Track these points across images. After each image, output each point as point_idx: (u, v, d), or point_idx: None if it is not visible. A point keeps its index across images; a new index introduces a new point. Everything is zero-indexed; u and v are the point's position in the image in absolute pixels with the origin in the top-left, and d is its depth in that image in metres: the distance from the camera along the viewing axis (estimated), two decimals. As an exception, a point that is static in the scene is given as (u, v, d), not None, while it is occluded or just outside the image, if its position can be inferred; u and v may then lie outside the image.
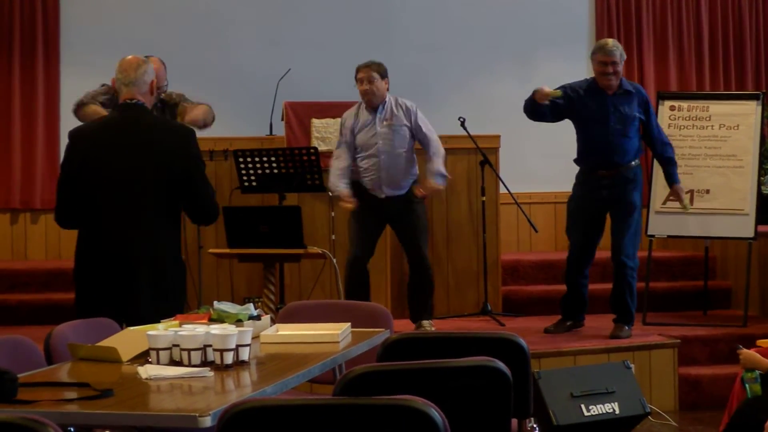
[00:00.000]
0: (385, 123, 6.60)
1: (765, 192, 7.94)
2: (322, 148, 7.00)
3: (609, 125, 6.48)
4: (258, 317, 4.13)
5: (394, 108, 6.63)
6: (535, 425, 3.70)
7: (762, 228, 7.31)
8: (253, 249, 6.21)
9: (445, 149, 7.34)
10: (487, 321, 7.21)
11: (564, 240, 7.22)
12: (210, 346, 3.47)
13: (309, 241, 6.32)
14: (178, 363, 3.45)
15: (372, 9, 9.02)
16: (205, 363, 3.45)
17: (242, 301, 5.88)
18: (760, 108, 7.34)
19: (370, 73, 6.54)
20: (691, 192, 7.28)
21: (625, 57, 6.63)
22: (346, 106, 6.84)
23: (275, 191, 6.64)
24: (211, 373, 3.34)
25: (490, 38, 9.07)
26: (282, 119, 7.44)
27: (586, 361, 6.30)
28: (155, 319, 4.05)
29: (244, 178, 6.61)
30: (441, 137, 7.28)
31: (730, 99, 7.60)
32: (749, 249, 7.25)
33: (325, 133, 7.21)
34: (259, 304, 6.18)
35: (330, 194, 6.82)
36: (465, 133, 7.17)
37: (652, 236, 7.38)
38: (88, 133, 4.89)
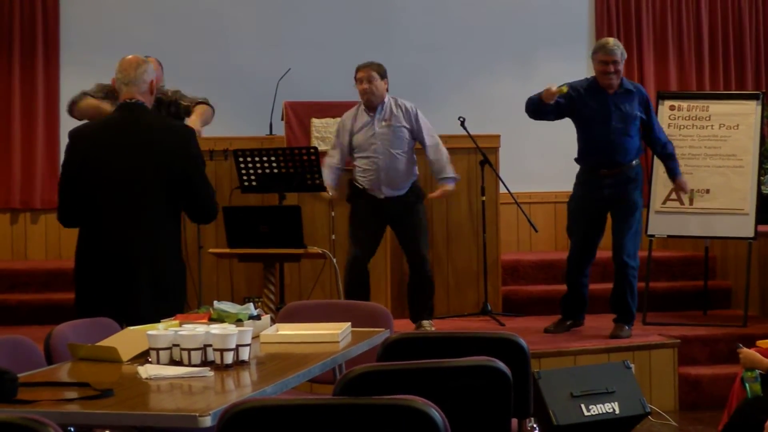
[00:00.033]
0: (384, 123, 6.60)
1: (765, 192, 7.94)
2: (322, 147, 7.00)
3: (611, 124, 6.48)
4: (258, 317, 4.13)
5: (393, 108, 6.63)
6: (535, 425, 3.70)
7: (762, 228, 7.31)
8: (253, 249, 6.21)
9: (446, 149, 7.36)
10: (487, 321, 7.21)
11: (564, 240, 7.23)
12: (210, 345, 3.47)
13: (309, 241, 6.32)
14: (178, 363, 3.46)
15: (372, 9, 9.01)
16: (205, 363, 3.45)
17: (242, 301, 5.88)
18: (759, 108, 7.34)
19: (370, 72, 6.55)
20: (691, 192, 7.28)
21: (625, 56, 6.63)
22: (346, 106, 6.84)
23: (275, 191, 6.63)
24: (211, 373, 3.34)
25: (490, 38, 9.07)
26: (282, 119, 7.44)
27: (586, 361, 6.30)
28: (155, 319, 4.05)
29: (244, 177, 6.61)
30: (441, 137, 7.29)
31: (730, 99, 7.60)
32: (749, 249, 7.26)
33: (325, 132, 7.21)
34: (259, 303, 6.18)
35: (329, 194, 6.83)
36: (465, 133, 7.17)
37: (652, 236, 7.38)
38: (88, 133, 4.89)
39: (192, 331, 3.53)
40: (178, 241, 4.89)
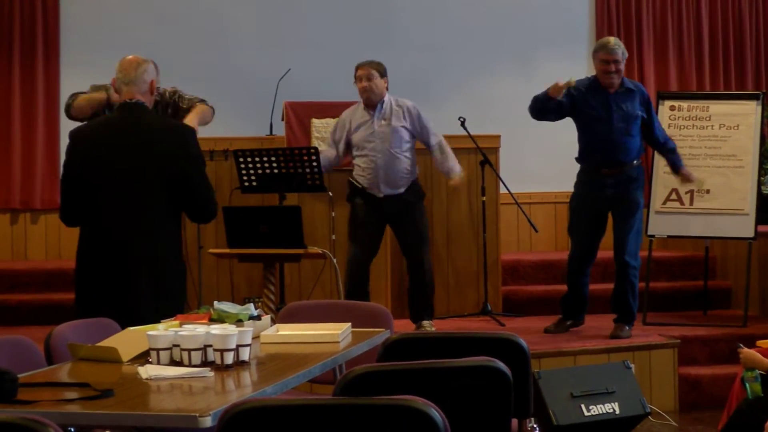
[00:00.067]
0: (383, 122, 6.60)
1: (765, 192, 7.94)
2: (322, 148, 6.99)
3: (612, 124, 6.48)
4: (258, 317, 4.14)
5: (393, 107, 6.64)
6: (535, 425, 3.70)
7: (762, 228, 7.31)
8: (253, 249, 6.21)
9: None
10: (487, 321, 7.21)
11: (564, 240, 7.23)
12: (210, 346, 3.47)
13: (309, 241, 6.32)
14: (179, 363, 3.46)
15: (372, 9, 9.02)
16: (205, 363, 3.45)
17: (242, 301, 5.88)
18: (760, 108, 7.34)
19: (370, 71, 6.57)
20: (691, 192, 7.29)
21: (626, 55, 6.63)
22: (346, 106, 6.85)
23: (275, 191, 6.64)
24: (212, 373, 3.34)
25: (490, 38, 9.07)
26: (282, 119, 7.44)
27: (587, 361, 6.30)
28: (155, 319, 4.05)
29: (244, 178, 6.61)
30: (441, 138, 7.30)
31: (730, 99, 7.60)
32: (749, 249, 7.26)
33: (325, 133, 7.21)
34: (260, 304, 6.18)
35: (329, 194, 6.84)
36: (465, 133, 7.17)
37: (653, 236, 7.38)
38: (88, 133, 4.89)
39: (192, 331, 3.54)
40: (178, 241, 4.89)
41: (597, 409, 5.70)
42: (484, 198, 7.38)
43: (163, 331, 3.60)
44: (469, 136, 7.16)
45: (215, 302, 4.12)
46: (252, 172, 6.59)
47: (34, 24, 8.64)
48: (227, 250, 6.31)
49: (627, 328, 6.67)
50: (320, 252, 6.20)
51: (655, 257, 7.57)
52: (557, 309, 6.93)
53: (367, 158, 6.59)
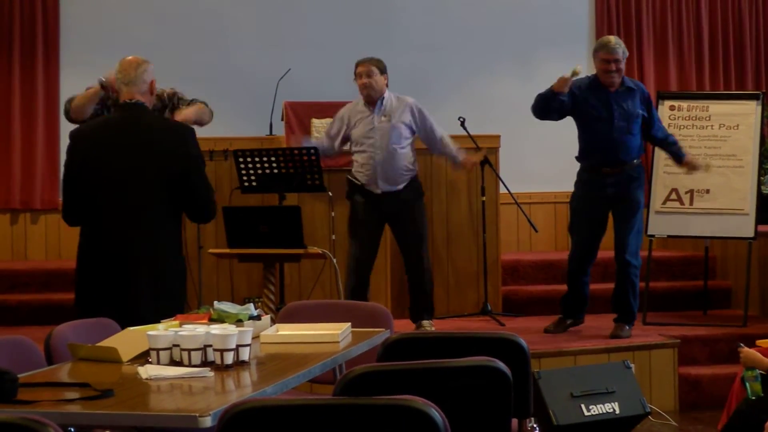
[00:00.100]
0: (383, 119, 6.61)
1: (765, 192, 7.94)
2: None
3: (613, 123, 6.48)
4: (258, 317, 4.14)
5: (393, 104, 6.64)
6: (535, 425, 3.70)
7: (762, 228, 7.31)
8: (253, 249, 6.21)
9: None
10: (487, 321, 7.21)
11: (564, 240, 7.23)
12: (210, 346, 3.47)
13: (309, 241, 6.32)
14: (179, 363, 3.46)
15: (372, 9, 9.01)
16: (205, 363, 3.46)
17: (242, 301, 5.88)
18: (759, 108, 7.34)
19: (370, 67, 6.58)
20: (691, 192, 7.29)
21: (627, 54, 6.63)
22: (346, 106, 6.85)
23: (275, 191, 6.64)
24: (212, 373, 3.34)
25: (490, 38, 9.07)
26: (282, 119, 7.44)
27: (587, 361, 6.30)
28: (155, 319, 4.05)
29: (244, 178, 6.62)
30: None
31: (730, 99, 7.60)
32: (749, 249, 7.26)
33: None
34: (259, 304, 6.18)
35: (329, 194, 6.84)
36: (465, 133, 7.17)
37: (652, 236, 7.38)
38: (88, 133, 4.91)
39: (192, 331, 3.54)
40: (178, 240, 4.90)
41: (597, 409, 5.70)
42: (484, 198, 7.38)
43: (163, 331, 3.61)
44: (469, 136, 7.16)
45: (215, 302, 4.13)
46: (252, 172, 6.59)
47: (34, 24, 8.63)
48: (227, 250, 6.31)
49: (627, 327, 6.67)
50: (320, 252, 6.20)
51: (655, 257, 7.57)
52: (557, 309, 6.93)
53: (366, 154, 6.59)
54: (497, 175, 7.36)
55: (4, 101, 8.58)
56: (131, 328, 3.88)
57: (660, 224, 7.35)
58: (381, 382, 3.05)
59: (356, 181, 6.65)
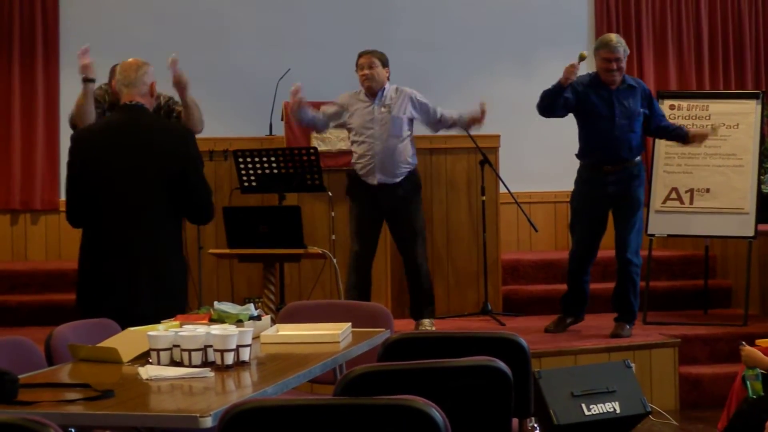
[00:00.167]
0: (383, 110, 6.61)
1: (765, 191, 7.93)
2: (321, 148, 7.01)
3: (615, 120, 6.48)
4: (258, 317, 4.14)
5: (393, 95, 6.65)
6: (535, 425, 3.70)
7: (762, 227, 7.31)
8: (253, 249, 6.21)
9: (445, 149, 7.38)
10: (487, 321, 7.21)
11: (564, 239, 7.23)
12: (210, 346, 3.47)
13: (309, 241, 6.32)
14: (179, 363, 3.46)
15: (372, 9, 9.01)
16: (205, 363, 3.46)
17: (242, 302, 5.88)
18: (759, 107, 7.34)
19: (372, 59, 6.60)
20: (691, 191, 7.28)
21: (628, 52, 6.62)
22: (346, 106, 6.86)
23: (275, 191, 6.64)
24: (212, 374, 3.34)
25: (490, 38, 9.07)
26: (282, 119, 7.44)
27: (587, 360, 6.30)
28: (156, 319, 4.05)
29: (244, 178, 6.62)
30: (441, 137, 7.32)
31: (730, 98, 7.60)
32: (749, 248, 7.25)
33: (325, 133, 7.21)
34: (260, 304, 6.19)
35: (329, 194, 6.84)
36: (465, 133, 7.16)
37: (653, 235, 7.38)
38: (89, 135, 4.95)
39: (192, 331, 3.54)
40: (178, 240, 4.92)
41: (597, 409, 5.70)
42: (484, 198, 7.38)
43: (164, 331, 3.61)
44: (469, 135, 7.15)
45: (215, 302, 4.13)
46: (252, 172, 6.59)
47: (34, 24, 8.64)
48: (227, 251, 6.31)
49: (628, 327, 6.67)
50: (320, 252, 6.20)
51: (655, 256, 7.56)
52: (557, 308, 6.92)
53: (365, 145, 6.59)
54: (497, 175, 7.36)
55: (4, 101, 8.58)
56: (131, 328, 3.88)
57: (660, 223, 7.35)
58: (381, 382, 3.05)
59: (355, 174, 6.65)
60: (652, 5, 9.24)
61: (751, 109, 7.34)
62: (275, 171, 6.55)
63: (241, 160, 6.58)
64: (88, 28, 8.72)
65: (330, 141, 7.22)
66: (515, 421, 3.55)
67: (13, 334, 5.01)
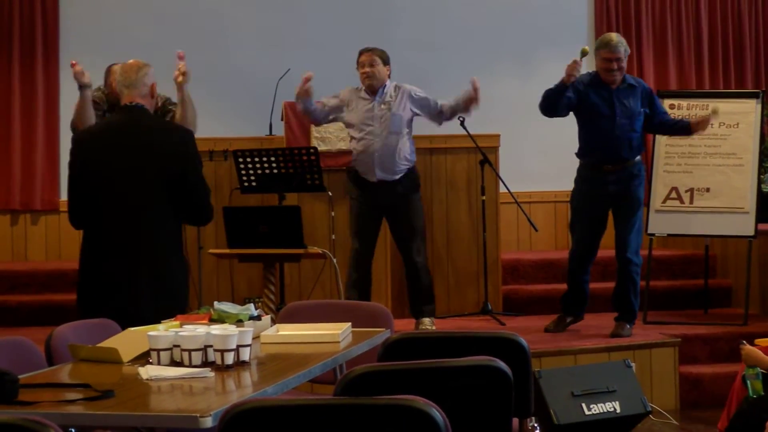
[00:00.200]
0: (383, 106, 6.62)
1: (765, 190, 7.93)
2: (321, 148, 7.01)
3: (616, 120, 6.48)
4: (258, 317, 4.14)
5: (393, 93, 6.65)
6: (536, 424, 3.70)
7: (762, 226, 7.30)
8: (253, 249, 6.21)
9: (445, 149, 7.38)
10: (487, 320, 7.21)
11: (564, 239, 7.22)
12: (211, 346, 3.47)
13: (309, 241, 6.32)
14: (179, 363, 3.46)
15: (372, 9, 9.01)
16: (205, 363, 3.46)
17: (242, 302, 5.88)
18: (759, 106, 7.34)
19: (373, 57, 6.60)
20: (691, 190, 7.28)
21: (629, 52, 6.62)
22: (346, 106, 6.86)
23: (275, 191, 6.64)
24: (212, 374, 3.34)
25: (490, 38, 9.07)
26: (282, 119, 7.44)
27: (587, 360, 6.30)
28: (156, 319, 4.05)
29: (244, 178, 6.62)
30: (441, 137, 7.32)
31: (730, 97, 7.60)
32: (749, 247, 7.25)
33: (324, 133, 7.21)
34: (260, 304, 6.19)
35: (329, 194, 6.84)
36: (465, 133, 7.17)
37: (653, 235, 7.38)
38: (89, 136, 4.98)
39: (192, 331, 3.54)
40: (179, 240, 4.93)
41: (598, 408, 5.70)
42: (484, 197, 7.38)
43: (164, 331, 3.61)
44: (469, 135, 7.15)
45: (215, 302, 4.13)
46: (251, 172, 6.59)
47: (34, 24, 8.64)
48: (227, 251, 6.31)
49: (628, 326, 6.66)
50: (320, 252, 6.20)
51: (655, 256, 7.56)
52: (558, 308, 6.92)
53: (365, 141, 6.59)
54: (497, 175, 7.36)
55: (4, 101, 8.59)
56: (132, 328, 3.88)
57: (660, 223, 7.35)
58: (381, 382, 3.05)
59: (354, 171, 6.65)
60: (652, 5, 9.24)
61: (751, 108, 7.34)
62: (275, 171, 6.55)
63: (241, 160, 6.58)
64: (88, 28, 8.74)
65: (330, 141, 7.22)
66: (515, 421, 3.55)
67: (13, 334, 5.01)
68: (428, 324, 6.68)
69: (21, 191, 8.53)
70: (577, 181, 6.73)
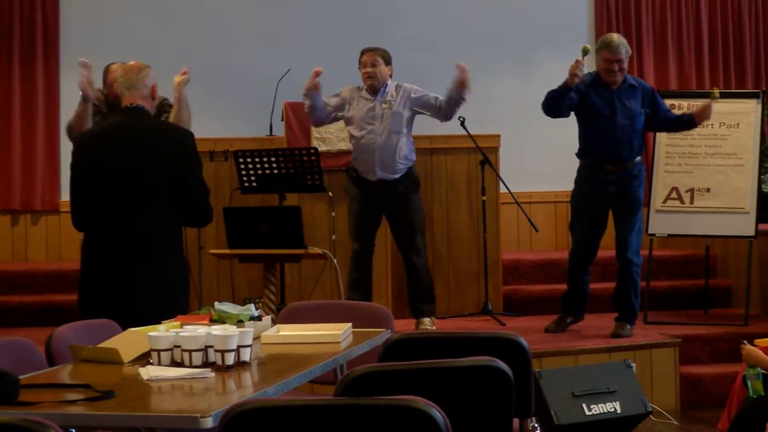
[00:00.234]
0: (384, 106, 6.62)
1: (765, 190, 7.94)
2: (322, 148, 7.01)
3: (616, 120, 6.48)
4: (259, 318, 4.14)
5: (394, 92, 6.66)
6: (536, 425, 3.70)
7: (762, 226, 7.30)
8: (253, 249, 6.21)
9: (445, 149, 7.37)
10: (487, 321, 7.20)
11: (564, 239, 7.21)
12: (211, 347, 3.47)
13: (309, 242, 6.32)
14: (180, 364, 3.46)
15: (372, 9, 9.01)
16: (206, 364, 3.46)
17: (243, 302, 5.88)
18: (760, 106, 7.35)
19: (375, 57, 6.61)
20: (692, 190, 7.28)
21: (630, 52, 6.61)
22: (346, 106, 6.86)
23: (275, 191, 6.64)
24: (213, 374, 3.34)
25: (490, 38, 9.07)
26: (282, 119, 7.44)
27: (587, 360, 6.30)
28: (156, 319, 4.05)
29: (244, 178, 6.62)
30: (441, 137, 7.31)
31: (730, 97, 7.59)
32: (750, 247, 7.25)
33: (325, 133, 7.21)
34: (260, 304, 6.18)
35: (329, 194, 6.84)
36: (465, 133, 7.17)
37: (653, 235, 7.38)
38: (91, 138, 5.01)
39: (193, 332, 3.54)
40: (179, 240, 4.94)
41: (598, 409, 5.70)
42: (484, 198, 7.38)
43: (164, 332, 3.61)
44: (469, 135, 7.15)
45: (216, 303, 4.13)
46: (252, 172, 6.59)
47: (34, 24, 8.64)
48: (228, 251, 6.31)
49: (628, 326, 6.66)
50: (320, 252, 6.20)
51: (655, 256, 7.56)
52: (558, 308, 6.92)
53: (366, 140, 6.59)
54: (497, 175, 7.36)
55: (4, 101, 8.59)
56: (132, 329, 3.88)
57: (660, 223, 7.35)
58: (382, 383, 3.05)
59: (353, 171, 6.65)
60: (652, 5, 9.24)
61: (751, 108, 7.34)
62: (275, 171, 6.55)
63: (241, 160, 6.58)
64: (88, 28, 8.74)
65: (330, 141, 7.22)
66: (516, 421, 3.55)
67: (14, 334, 5.02)
68: (428, 324, 6.68)
69: (21, 191, 8.53)
70: (577, 181, 6.73)
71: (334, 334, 4.00)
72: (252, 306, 4.16)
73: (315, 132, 7.24)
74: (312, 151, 6.57)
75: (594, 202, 6.59)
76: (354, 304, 5.10)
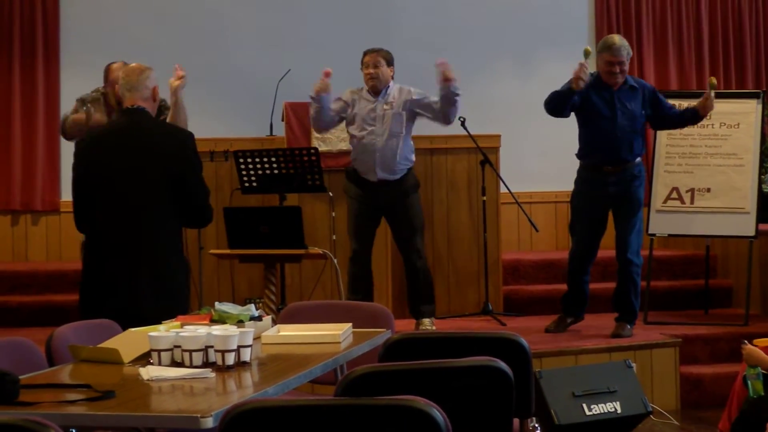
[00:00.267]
0: (386, 107, 6.62)
1: (765, 190, 7.94)
2: (322, 148, 7.01)
3: (616, 121, 6.48)
4: (259, 318, 4.14)
5: (396, 94, 6.66)
6: (536, 425, 3.69)
7: (763, 226, 7.30)
8: (253, 249, 6.21)
9: (446, 149, 7.36)
10: (488, 321, 7.21)
11: (564, 239, 7.20)
12: (211, 347, 3.47)
13: (309, 242, 6.32)
14: (180, 364, 3.46)
15: (372, 9, 9.02)
16: (206, 364, 3.46)
17: (243, 302, 5.88)
18: (760, 106, 7.35)
19: (377, 58, 6.61)
20: (692, 191, 7.28)
21: (631, 54, 6.61)
22: (346, 106, 6.86)
23: (276, 192, 6.64)
24: (213, 374, 3.34)
25: (490, 38, 9.07)
26: (282, 120, 7.44)
27: (588, 360, 6.30)
28: (157, 320, 4.05)
29: (245, 178, 6.62)
30: (441, 137, 7.31)
31: (731, 97, 7.59)
32: (750, 247, 7.25)
33: (325, 133, 7.21)
34: (260, 304, 6.18)
35: (330, 194, 6.84)
36: (465, 133, 7.17)
37: (653, 235, 7.38)
38: (92, 139, 5.02)
39: (193, 332, 3.54)
40: (179, 240, 4.96)
41: (598, 409, 5.70)
42: (485, 198, 7.38)
43: (165, 332, 3.61)
44: (469, 135, 7.16)
45: (216, 303, 4.13)
46: (252, 172, 6.59)
47: (34, 24, 8.64)
48: (228, 251, 6.31)
49: (629, 326, 6.67)
50: (321, 252, 6.20)
51: (656, 256, 7.56)
52: (558, 308, 6.92)
53: (366, 140, 6.59)
54: (498, 175, 7.36)
55: (4, 101, 8.59)
56: (132, 329, 3.88)
57: (661, 223, 7.35)
58: (382, 383, 3.05)
59: (353, 171, 6.65)
60: (652, 5, 9.24)
61: (751, 108, 7.34)
62: (276, 171, 6.55)
63: (241, 160, 6.58)
64: (88, 28, 8.74)
65: (330, 141, 7.22)
66: (516, 421, 3.55)
67: (14, 334, 5.02)
68: (428, 324, 6.68)
69: (21, 191, 8.53)
70: (577, 181, 6.73)
71: (335, 334, 4.00)
72: (252, 306, 4.16)
73: (315, 132, 7.24)
74: (312, 151, 6.57)
75: (594, 202, 6.59)
76: (354, 305, 5.10)
